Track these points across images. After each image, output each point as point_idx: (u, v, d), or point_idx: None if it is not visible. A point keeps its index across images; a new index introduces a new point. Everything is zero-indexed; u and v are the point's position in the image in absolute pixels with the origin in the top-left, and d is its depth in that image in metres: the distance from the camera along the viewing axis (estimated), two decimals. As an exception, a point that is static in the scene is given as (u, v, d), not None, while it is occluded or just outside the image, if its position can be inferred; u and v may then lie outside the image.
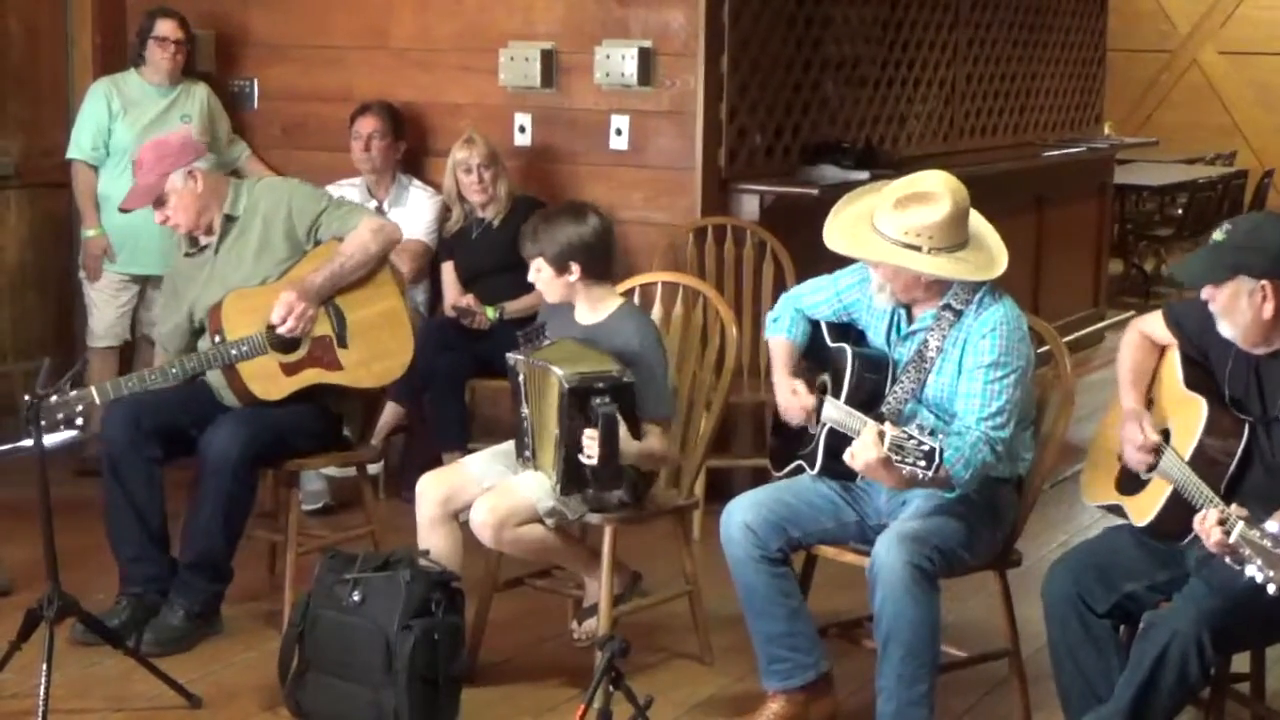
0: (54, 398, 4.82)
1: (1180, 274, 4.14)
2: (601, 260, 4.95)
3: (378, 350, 5.37)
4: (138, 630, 5.09)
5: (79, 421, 4.96)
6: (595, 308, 4.95)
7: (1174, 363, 4.34)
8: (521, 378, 4.88)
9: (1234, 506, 3.74)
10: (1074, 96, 10.28)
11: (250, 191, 5.46)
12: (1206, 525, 3.77)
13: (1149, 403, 4.36)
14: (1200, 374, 4.26)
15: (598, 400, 4.61)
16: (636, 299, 5.29)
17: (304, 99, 7.53)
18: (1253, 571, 3.61)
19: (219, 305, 5.27)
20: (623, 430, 4.65)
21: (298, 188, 5.58)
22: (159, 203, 5.39)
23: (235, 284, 5.32)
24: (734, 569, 4.57)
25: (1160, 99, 15.41)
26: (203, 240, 5.46)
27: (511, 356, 4.92)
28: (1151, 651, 3.90)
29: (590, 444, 4.61)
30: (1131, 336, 4.47)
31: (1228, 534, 3.70)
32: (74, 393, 4.90)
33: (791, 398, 4.65)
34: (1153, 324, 4.44)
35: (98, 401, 5.03)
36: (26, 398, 4.75)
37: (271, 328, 5.21)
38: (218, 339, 5.24)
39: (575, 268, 4.88)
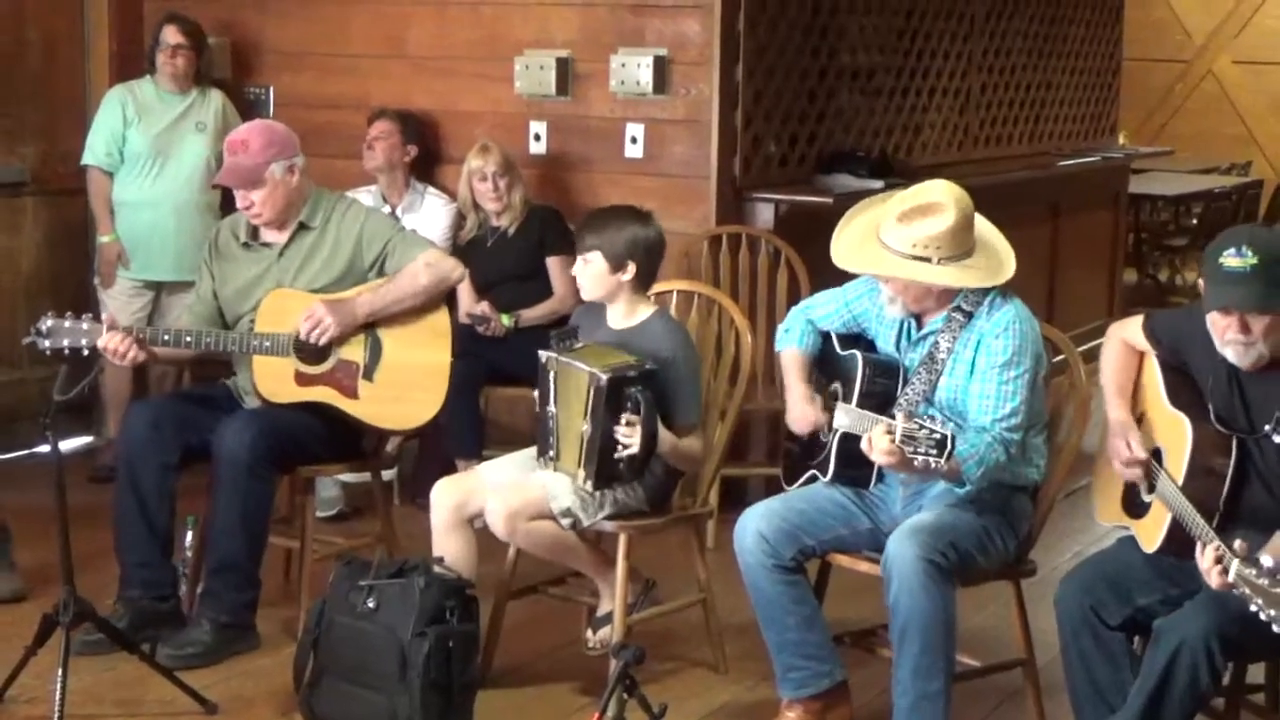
0: (66, 323, 5.03)
1: (1240, 302, 3.93)
2: (653, 266, 4.97)
3: (401, 395, 5.29)
4: (139, 635, 5.05)
5: (83, 345, 5.04)
6: (630, 313, 4.96)
7: (1155, 376, 4.33)
8: (552, 376, 4.87)
9: (1237, 543, 3.71)
10: (1089, 106, 10.27)
11: (328, 205, 5.40)
12: (1205, 565, 3.78)
13: (1139, 417, 4.35)
14: (1182, 386, 4.23)
15: (632, 389, 4.62)
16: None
17: (320, 106, 7.54)
18: (1255, 609, 3.61)
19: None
20: (658, 418, 4.69)
21: (372, 214, 5.52)
22: (247, 186, 5.28)
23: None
24: (747, 578, 4.57)
25: (1175, 109, 15.38)
26: (268, 236, 5.40)
27: (544, 354, 4.90)
28: (1161, 659, 3.90)
29: (630, 431, 4.62)
30: (1113, 345, 4.47)
31: (1226, 573, 3.70)
32: (85, 325, 5.03)
33: (806, 406, 4.66)
34: (1132, 330, 4.44)
35: (104, 340, 5.05)
36: (30, 330, 5.04)
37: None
38: (248, 325, 5.25)
39: (632, 267, 4.88)
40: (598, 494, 4.79)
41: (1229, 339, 4.00)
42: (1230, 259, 3.93)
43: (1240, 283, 3.92)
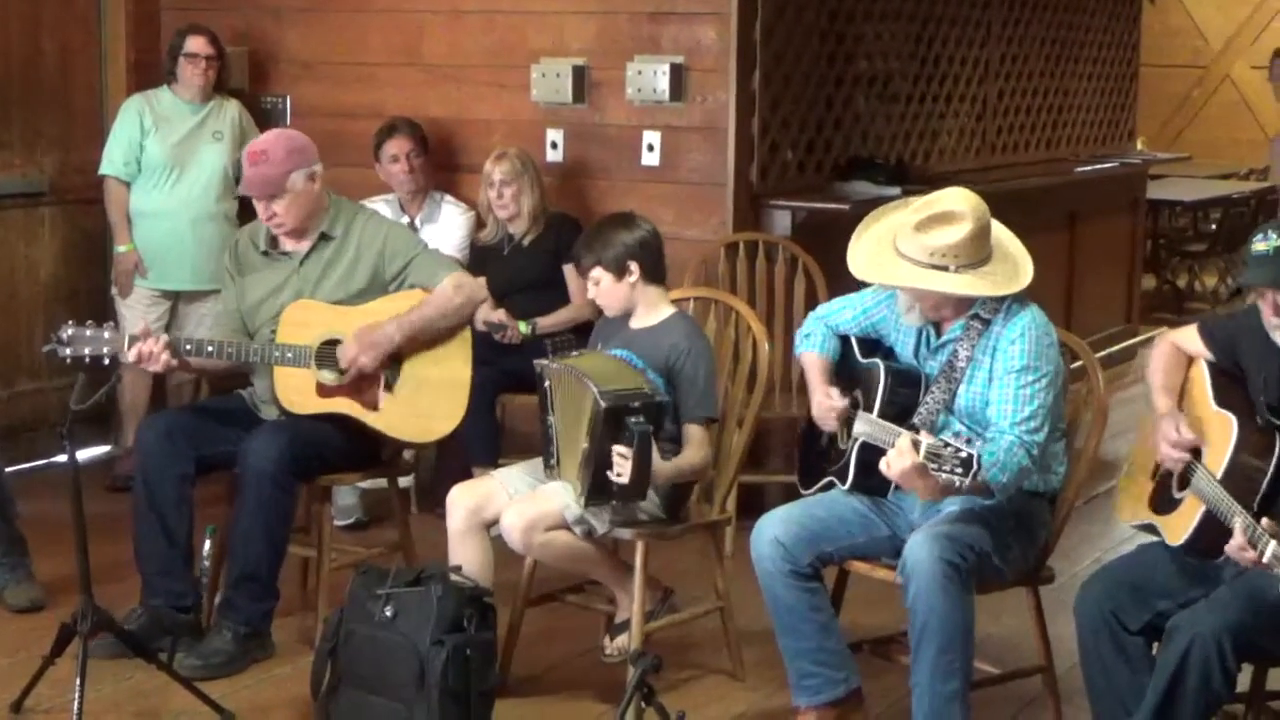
0: (87, 331, 5.06)
1: (1261, 279, 4.10)
2: (656, 260, 5.02)
3: (421, 409, 5.30)
4: (154, 643, 5.05)
5: (104, 353, 5.07)
6: (649, 312, 5.01)
7: (1203, 377, 4.34)
8: (549, 384, 4.88)
9: (1264, 521, 3.74)
10: (1107, 112, 10.26)
11: (348, 215, 5.39)
12: (1236, 543, 3.79)
13: None
14: (1231, 388, 4.26)
15: (633, 420, 4.61)
16: (669, 314, 5.29)
17: (336, 115, 7.55)
18: None
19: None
20: (654, 451, 4.67)
21: (394, 227, 5.52)
22: (270, 196, 5.25)
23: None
24: (764, 584, 4.56)
25: (1193, 114, 15.36)
26: (288, 245, 5.39)
27: (539, 363, 4.95)
28: (1173, 657, 3.91)
29: (623, 462, 4.61)
30: (1163, 347, 4.49)
31: (1259, 552, 3.71)
32: (107, 334, 5.07)
33: (826, 401, 4.64)
34: (1185, 337, 4.46)
35: (126, 352, 5.07)
36: (50, 338, 5.08)
37: (325, 345, 5.19)
38: (270, 336, 5.25)
39: (634, 267, 4.95)
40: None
41: (1273, 324, 4.12)
42: (1257, 243, 4.11)
43: (1263, 264, 4.08)
